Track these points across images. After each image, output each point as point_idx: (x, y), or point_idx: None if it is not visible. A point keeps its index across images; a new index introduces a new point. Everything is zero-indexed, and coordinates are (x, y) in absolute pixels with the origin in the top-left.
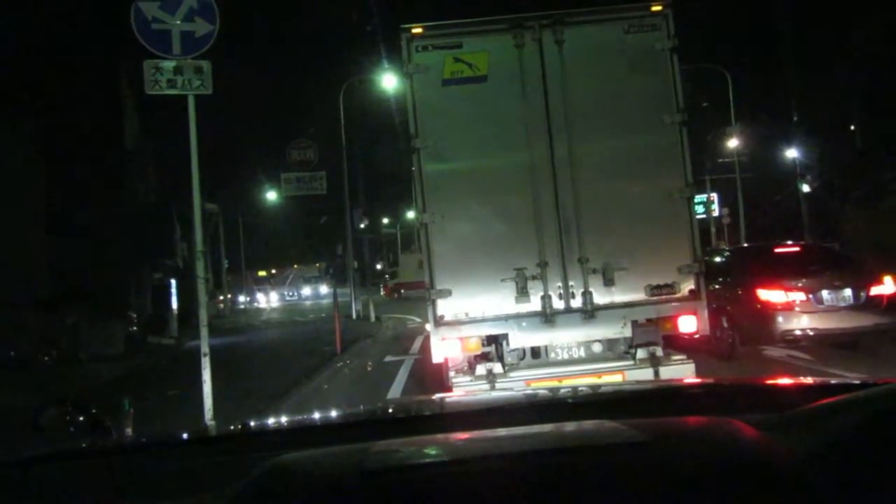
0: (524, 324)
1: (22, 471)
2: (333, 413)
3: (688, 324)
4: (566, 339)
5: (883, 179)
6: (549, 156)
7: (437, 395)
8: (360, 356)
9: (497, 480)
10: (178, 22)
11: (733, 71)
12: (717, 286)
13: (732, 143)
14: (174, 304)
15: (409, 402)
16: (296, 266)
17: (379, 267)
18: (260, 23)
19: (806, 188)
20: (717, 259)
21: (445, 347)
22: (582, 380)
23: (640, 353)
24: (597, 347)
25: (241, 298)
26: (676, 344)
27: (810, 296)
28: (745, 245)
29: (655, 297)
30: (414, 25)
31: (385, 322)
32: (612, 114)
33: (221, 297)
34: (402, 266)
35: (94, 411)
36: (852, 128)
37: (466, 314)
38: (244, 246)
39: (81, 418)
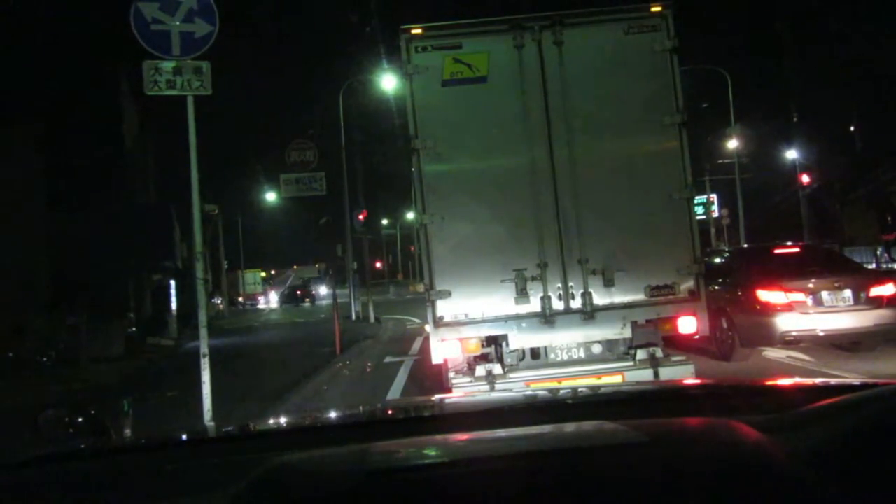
0: (524, 325)
1: (22, 472)
2: (333, 414)
3: (687, 325)
4: (566, 340)
5: (883, 180)
6: (549, 156)
7: (436, 397)
8: (359, 357)
9: (497, 481)
10: (178, 23)
11: (733, 72)
12: (716, 287)
13: (732, 143)
14: (173, 305)
15: (408, 404)
16: (295, 267)
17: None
18: (260, 24)
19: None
20: (717, 260)
21: (445, 348)
22: (581, 381)
23: (640, 354)
24: (596, 348)
25: (241, 299)
26: (676, 345)
27: (810, 297)
28: (745, 246)
29: (655, 298)
30: (413, 26)
31: (385, 323)
32: (611, 114)
33: (220, 300)
34: (246, 280)
35: (93, 412)
36: (852, 128)
37: (466, 315)
38: (244, 247)
39: (81, 419)
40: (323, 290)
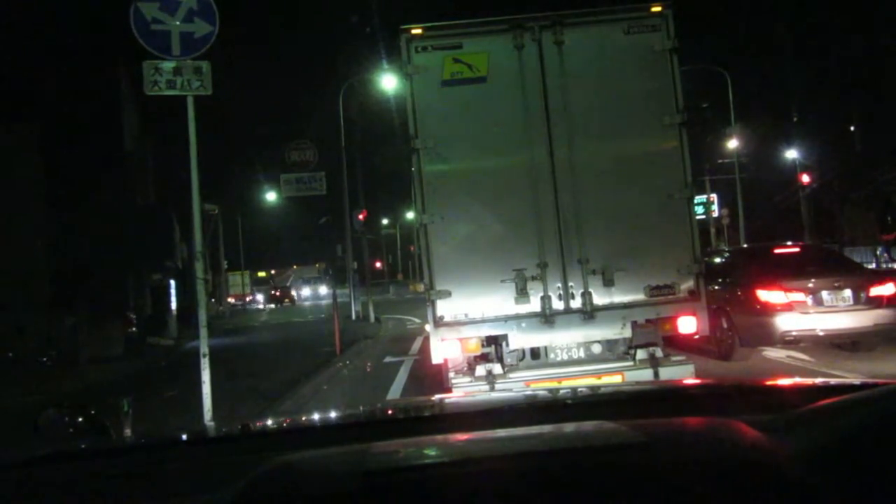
0: (524, 324)
1: (21, 472)
2: (333, 414)
3: (687, 324)
4: (566, 339)
5: (882, 180)
6: (549, 156)
7: (436, 396)
8: (359, 357)
9: (497, 481)
10: (178, 23)
11: (733, 71)
12: (716, 287)
13: (732, 143)
14: (173, 305)
15: (408, 403)
16: (295, 267)
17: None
18: (261, 24)
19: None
20: (717, 260)
21: (445, 348)
22: (581, 381)
23: (640, 354)
24: (596, 348)
25: (231, 300)
26: (676, 345)
27: (810, 297)
28: (745, 246)
29: (655, 298)
30: (413, 26)
31: (384, 323)
32: (611, 114)
33: (218, 301)
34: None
35: (93, 412)
36: (852, 129)
37: (466, 315)
38: (244, 247)
39: (80, 419)
40: (322, 290)
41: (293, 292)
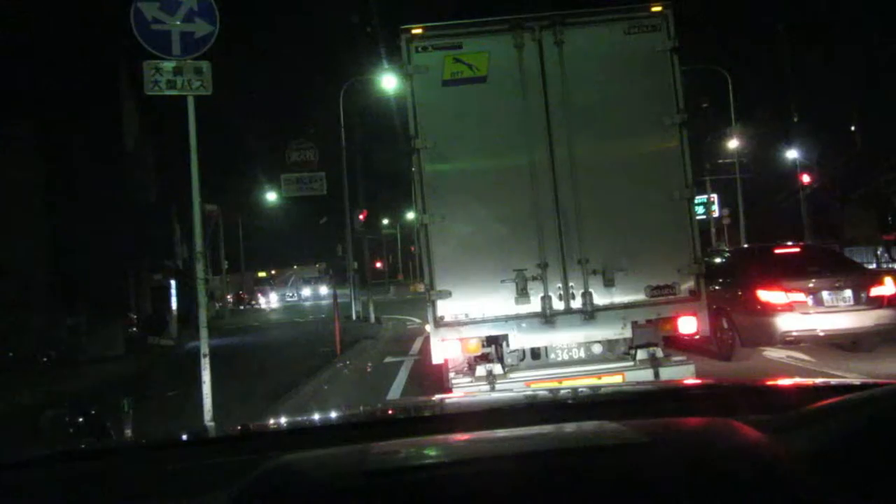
0: (524, 325)
1: (22, 472)
2: (333, 414)
3: (688, 325)
4: (566, 340)
5: (883, 180)
6: (549, 156)
7: (436, 396)
8: (359, 357)
9: (497, 481)
10: (178, 23)
11: (733, 71)
12: (717, 287)
13: (732, 143)
14: (173, 305)
15: (408, 403)
16: (296, 267)
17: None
18: (261, 23)
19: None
20: (718, 260)
21: (445, 348)
22: (582, 381)
23: (640, 354)
24: (597, 348)
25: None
26: (676, 345)
27: (810, 297)
28: (746, 246)
29: (655, 298)
30: (414, 26)
31: (385, 323)
32: (612, 114)
33: (218, 302)
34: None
35: (93, 412)
36: (852, 128)
37: (466, 315)
38: (244, 247)
39: (81, 419)
40: (323, 290)
41: (258, 295)
